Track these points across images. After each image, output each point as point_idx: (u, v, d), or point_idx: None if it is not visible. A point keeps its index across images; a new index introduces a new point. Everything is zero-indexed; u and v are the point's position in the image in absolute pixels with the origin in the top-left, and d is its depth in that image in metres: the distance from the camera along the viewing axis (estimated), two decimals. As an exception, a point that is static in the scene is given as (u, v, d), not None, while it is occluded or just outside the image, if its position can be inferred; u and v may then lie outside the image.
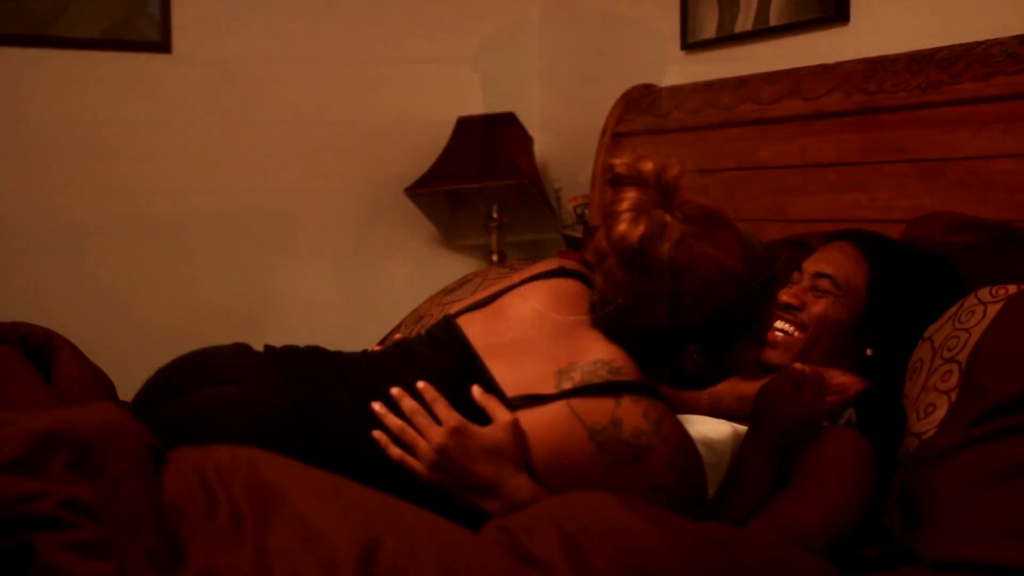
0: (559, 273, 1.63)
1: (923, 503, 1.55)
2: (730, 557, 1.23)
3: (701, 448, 1.59)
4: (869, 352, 1.84)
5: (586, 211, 3.37)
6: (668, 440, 1.46)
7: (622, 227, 1.42)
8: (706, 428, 1.77)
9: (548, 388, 1.48)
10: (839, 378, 1.77)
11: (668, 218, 1.43)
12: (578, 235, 3.40)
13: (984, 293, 1.75)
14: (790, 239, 2.39)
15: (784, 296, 1.87)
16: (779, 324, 1.87)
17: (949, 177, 2.20)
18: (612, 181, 1.47)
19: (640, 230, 1.41)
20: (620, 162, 1.46)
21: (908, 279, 1.85)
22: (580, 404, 1.46)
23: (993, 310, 1.70)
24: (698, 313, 1.48)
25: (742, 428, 1.76)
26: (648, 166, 1.45)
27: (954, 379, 1.67)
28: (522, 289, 1.61)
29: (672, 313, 1.47)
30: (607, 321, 1.52)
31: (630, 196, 1.44)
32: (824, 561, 1.37)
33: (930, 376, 1.72)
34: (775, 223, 2.59)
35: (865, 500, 1.62)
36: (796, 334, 1.85)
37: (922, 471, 1.58)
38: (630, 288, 1.46)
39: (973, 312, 1.73)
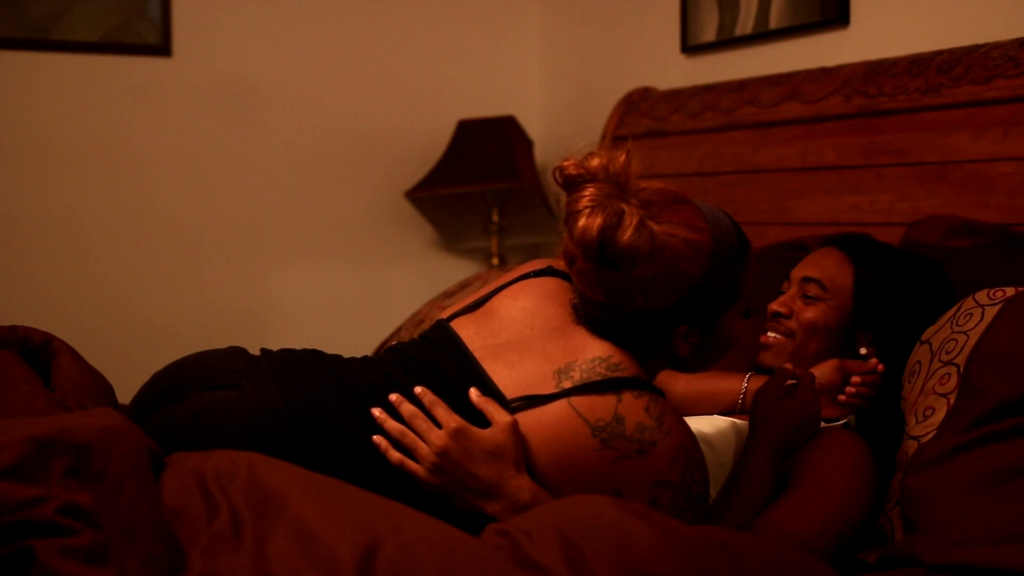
0: (547, 272, 1.64)
1: (922, 506, 1.55)
2: (731, 561, 1.24)
3: (702, 447, 1.59)
4: (863, 351, 1.85)
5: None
6: (671, 435, 1.47)
7: (581, 222, 1.43)
8: (706, 426, 1.77)
9: (548, 388, 1.48)
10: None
11: (624, 206, 1.43)
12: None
13: (982, 296, 1.75)
14: (790, 242, 2.39)
15: (773, 306, 1.88)
16: (770, 332, 1.88)
17: (949, 180, 2.20)
18: (565, 184, 1.48)
19: (598, 222, 1.42)
20: (568, 163, 1.48)
21: (895, 278, 1.86)
22: (581, 402, 1.47)
23: (991, 313, 1.70)
24: (675, 292, 1.48)
25: (743, 423, 1.77)
26: (595, 161, 1.47)
27: (952, 382, 1.66)
28: (512, 288, 1.62)
29: (649, 297, 1.48)
30: (591, 319, 1.53)
31: (586, 193, 1.45)
32: (825, 564, 1.37)
33: (928, 379, 1.72)
34: (775, 226, 2.59)
35: (865, 503, 1.62)
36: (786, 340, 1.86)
37: (921, 474, 1.58)
38: (603, 282, 1.47)
39: (971, 315, 1.73)
